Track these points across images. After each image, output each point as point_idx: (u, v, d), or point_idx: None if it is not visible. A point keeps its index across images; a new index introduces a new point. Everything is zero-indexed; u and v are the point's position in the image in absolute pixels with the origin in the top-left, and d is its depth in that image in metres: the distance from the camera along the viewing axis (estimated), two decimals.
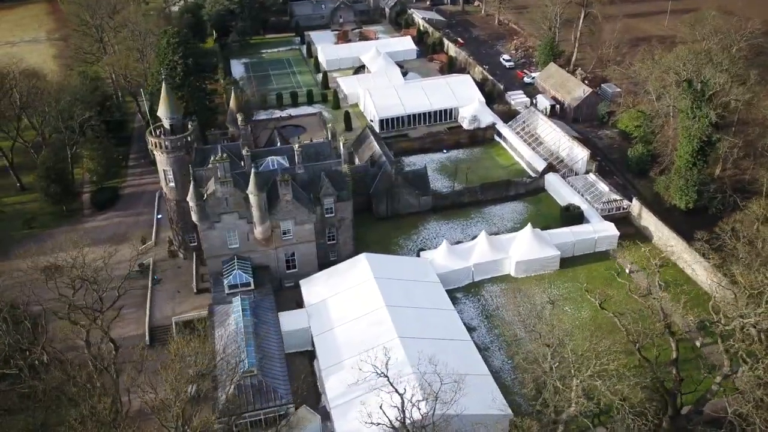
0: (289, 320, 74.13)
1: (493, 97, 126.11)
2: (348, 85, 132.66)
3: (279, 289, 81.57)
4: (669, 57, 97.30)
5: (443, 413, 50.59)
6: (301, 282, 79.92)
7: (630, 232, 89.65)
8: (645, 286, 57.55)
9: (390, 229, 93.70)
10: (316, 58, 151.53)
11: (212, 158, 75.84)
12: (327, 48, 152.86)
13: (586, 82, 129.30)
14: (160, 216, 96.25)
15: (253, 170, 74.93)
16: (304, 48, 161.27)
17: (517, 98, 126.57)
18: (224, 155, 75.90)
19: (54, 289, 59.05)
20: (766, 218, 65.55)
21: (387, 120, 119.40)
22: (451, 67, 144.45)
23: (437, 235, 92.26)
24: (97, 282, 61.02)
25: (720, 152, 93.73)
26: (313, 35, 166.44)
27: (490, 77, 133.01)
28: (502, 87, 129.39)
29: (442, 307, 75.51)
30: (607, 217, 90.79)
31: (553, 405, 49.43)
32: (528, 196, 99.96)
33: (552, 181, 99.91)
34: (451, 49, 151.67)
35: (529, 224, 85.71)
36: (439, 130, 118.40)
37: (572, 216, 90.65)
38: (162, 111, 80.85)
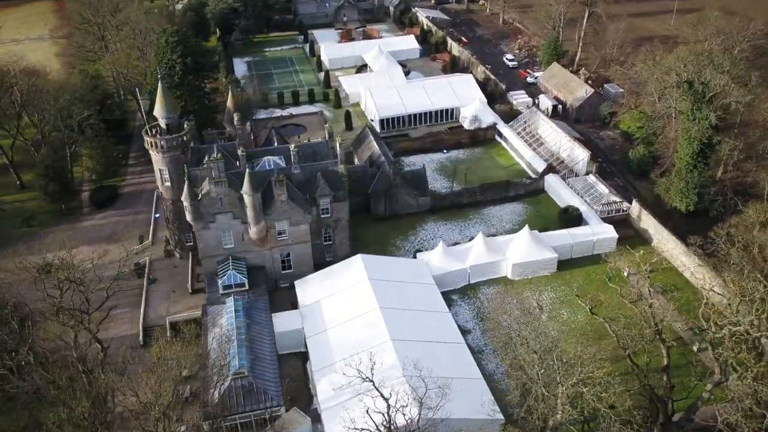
0: (283, 321, 73.92)
1: (495, 97, 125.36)
2: (349, 84, 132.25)
3: (274, 289, 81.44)
4: (669, 58, 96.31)
5: (429, 418, 50.17)
6: (296, 283, 79.68)
7: (629, 234, 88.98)
8: (636, 291, 56.67)
9: (388, 230, 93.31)
10: (319, 56, 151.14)
11: (206, 158, 75.62)
12: (330, 47, 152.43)
13: (590, 82, 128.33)
14: (158, 215, 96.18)
15: (247, 170, 74.71)
16: (307, 46, 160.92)
17: (519, 98, 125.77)
18: (219, 155, 75.74)
19: (42, 290, 58.99)
20: (762, 223, 64.52)
21: (388, 119, 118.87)
22: (454, 66, 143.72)
23: (435, 236, 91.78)
24: (84, 283, 60.89)
25: (721, 154, 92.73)
26: (317, 34, 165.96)
27: (492, 77, 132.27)
28: (504, 87, 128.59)
29: (437, 309, 75.10)
30: (606, 219, 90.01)
31: (538, 412, 48.91)
32: (527, 197, 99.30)
33: (552, 182, 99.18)
34: (455, 48, 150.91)
35: (527, 226, 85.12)
36: (440, 130, 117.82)
37: (571, 218, 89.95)
38: (158, 110, 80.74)
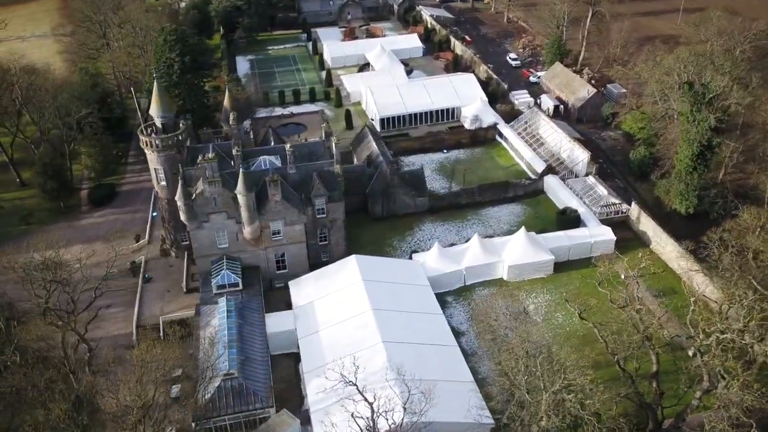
0: (276, 322, 73.71)
1: (496, 97, 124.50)
2: (351, 83, 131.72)
3: (269, 289, 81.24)
4: (669, 59, 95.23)
5: (415, 422, 49.77)
6: (290, 283, 79.43)
7: (628, 236, 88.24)
8: (625, 297, 55.91)
9: (385, 230, 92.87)
10: (322, 55, 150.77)
11: (200, 158, 75.45)
12: (333, 45, 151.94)
13: (593, 82, 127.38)
14: (155, 214, 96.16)
15: (241, 170, 74.48)
16: (310, 45, 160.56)
17: (520, 98, 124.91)
18: (212, 155, 75.51)
19: (30, 290, 58.93)
20: (759, 228, 63.52)
21: (388, 119, 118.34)
22: (457, 65, 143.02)
23: (432, 236, 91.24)
24: (69, 284, 60.79)
25: (722, 156, 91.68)
26: (320, 32, 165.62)
27: (494, 76, 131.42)
28: (506, 86, 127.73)
29: (430, 311, 74.63)
30: (605, 221, 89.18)
31: (520, 419, 48.37)
32: (527, 198, 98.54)
33: (551, 183, 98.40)
34: (458, 47, 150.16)
35: (523, 227, 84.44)
36: (441, 129, 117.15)
37: (568, 219, 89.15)
38: (153, 109, 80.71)
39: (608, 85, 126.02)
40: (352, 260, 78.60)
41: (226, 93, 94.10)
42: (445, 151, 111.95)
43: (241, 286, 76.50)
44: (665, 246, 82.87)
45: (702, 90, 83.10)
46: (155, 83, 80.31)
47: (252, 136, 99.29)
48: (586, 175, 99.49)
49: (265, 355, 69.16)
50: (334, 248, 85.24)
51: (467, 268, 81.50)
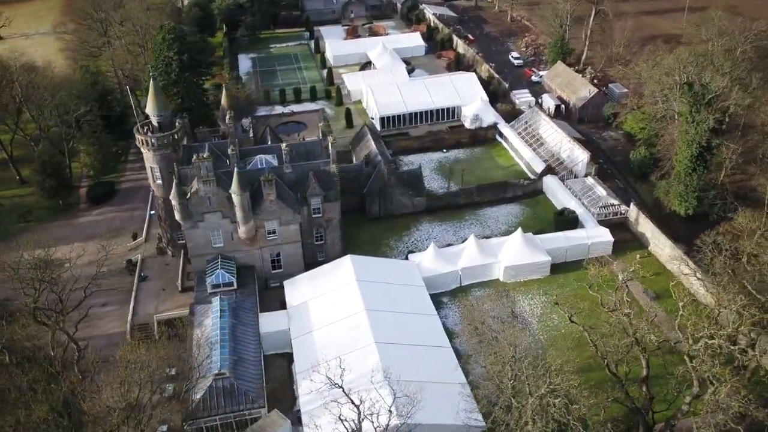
0: (269, 321, 73.60)
1: (497, 96, 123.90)
2: (352, 82, 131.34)
3: (265, 288, 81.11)
4: (669, 59, 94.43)
5: (402, 424, 49.50)
6: (285, 283, 79.29)
7: (627, 238, 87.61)
8: (614, 300, 55.37)
9: (382, 230, 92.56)
10: (324, 53, 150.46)
11: (194, 157, 75.34)
12: (335, 43, 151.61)
13: (596, 81, 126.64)
14: (153, 212, 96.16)
15: (236, 169, 74.34)
16: (312, 43, 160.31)
17: (521, 97, 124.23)
18: (207, 154, 75.42)
19: (19, 289, 58.97)
20: (753, 231, 62.84)
21: (388, 118, 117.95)
22: (459, 64, 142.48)
23: (429, 236, 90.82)
24: (58, 283, 60.78)
25: (722, 158, 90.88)
26: (323, 30, 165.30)
27: (496, 75, 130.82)
28: (507, 85, 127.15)
29: (425, 312, 74.30)
30: (603, 222, 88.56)
31: (505, 423, 48.01)
32: (525, 198, 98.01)
33: (550, 183, 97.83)
34: (460, 45, 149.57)
35: (520, 228, 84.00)
36: (441, 128, 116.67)
37: (566, 220, 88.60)
38: (150, 108, 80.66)
39: (610, 85, 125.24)
40: (347, 260, 78.35)
41: (224, 91, 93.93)
42: (444, 150, 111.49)
43: (235, 286, 76.34)
44: (663, 248, 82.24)
45: (701, 91, 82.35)
46: (151, 81, 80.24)
47: (252, 135, 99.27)
48: (586, 175, 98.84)
49: (258, 355, 69.04)
50: (330, 248, 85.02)
51: (463, 269, 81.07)
